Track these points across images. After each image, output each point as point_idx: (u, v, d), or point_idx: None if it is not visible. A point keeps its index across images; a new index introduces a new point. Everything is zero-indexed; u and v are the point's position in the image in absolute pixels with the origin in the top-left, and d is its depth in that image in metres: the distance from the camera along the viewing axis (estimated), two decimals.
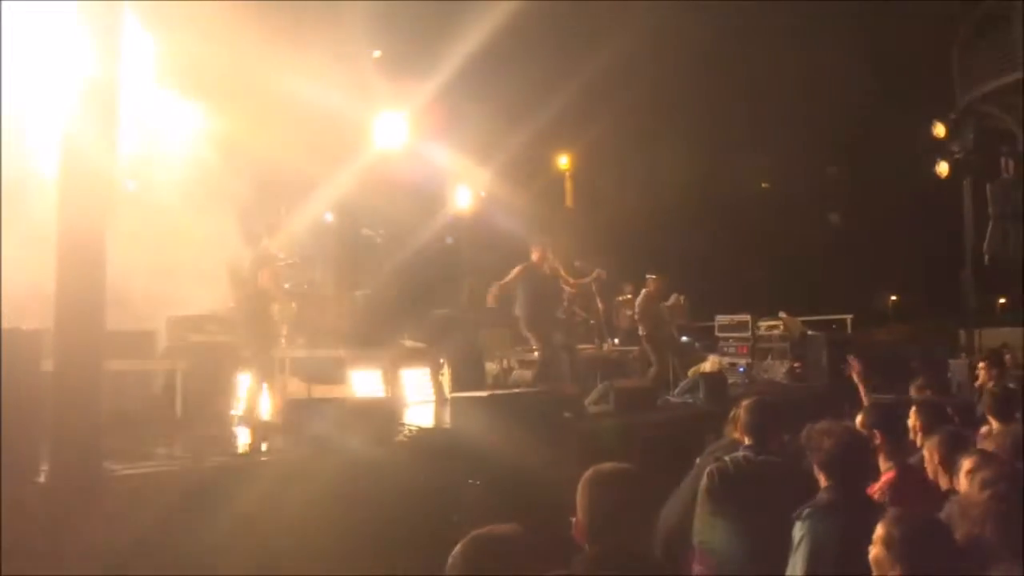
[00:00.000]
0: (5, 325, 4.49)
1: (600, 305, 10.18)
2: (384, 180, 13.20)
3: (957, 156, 12.83)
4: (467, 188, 14.66)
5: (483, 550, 2.14)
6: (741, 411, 4.34)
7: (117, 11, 3.90)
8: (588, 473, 2.52)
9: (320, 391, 7.83)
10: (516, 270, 7.87)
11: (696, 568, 3.74)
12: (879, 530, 2.47)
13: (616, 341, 12.10)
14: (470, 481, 4.97)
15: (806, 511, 3.12)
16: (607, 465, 2.54)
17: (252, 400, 7.26)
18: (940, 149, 12.89)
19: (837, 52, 14.36)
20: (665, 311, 10.55)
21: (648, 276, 10.12)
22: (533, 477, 4.31)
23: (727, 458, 4.10)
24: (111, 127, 3.82)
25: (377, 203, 12.85)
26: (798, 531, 3.10)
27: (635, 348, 11.15)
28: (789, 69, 14.51)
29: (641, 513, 2.47)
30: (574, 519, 2.44)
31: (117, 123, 3.86)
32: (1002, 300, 21.20)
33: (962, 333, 13.51)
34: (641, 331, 9.91)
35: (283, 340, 6.95)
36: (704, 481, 3.96)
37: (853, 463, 3.25)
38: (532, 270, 7.89)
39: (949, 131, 12.80)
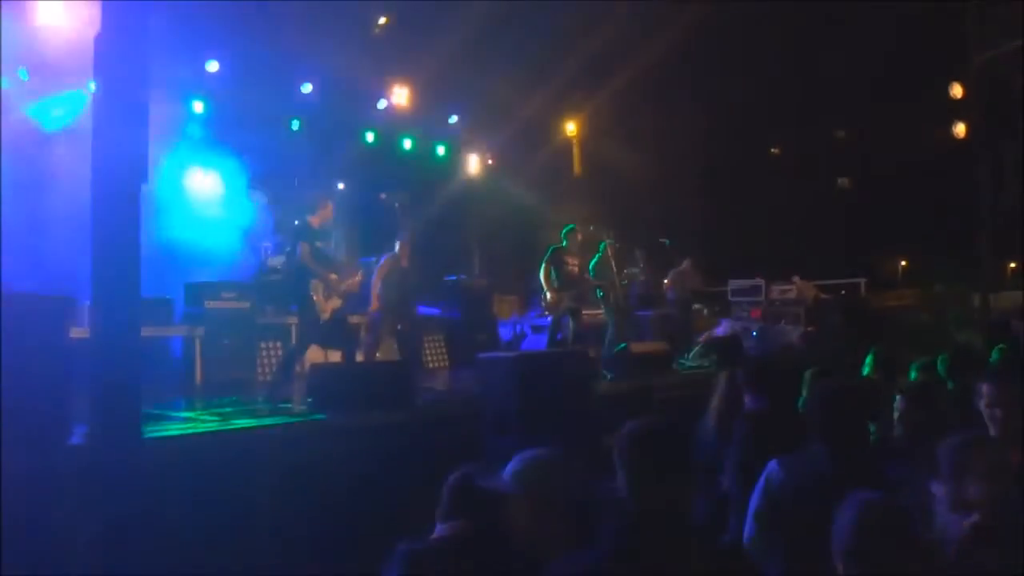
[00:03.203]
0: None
1: (614, 272, 10.15)
2: (392, 148, 13.14)
3: (973, 117, 12.66)
4: (475, 155, 14.60)
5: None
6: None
7: (144, 9, 3.88)
8: (628, 428, 2.35)
9: (337, 356, 7.88)
10: (381, 267, 8.47)
11: None
12: None
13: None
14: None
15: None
16: (647, 420, 2.37)
17: (282, 366, 7.36)
18: (956, 110, 12.75)
19: (846, 11, 14.10)
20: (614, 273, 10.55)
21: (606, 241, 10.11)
22: (559, 436, 4.33)
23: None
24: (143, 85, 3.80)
25: (387, 171, 12.82)
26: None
27: (651, 313, 11.18)
28: (797, 31, 14.27)
29: (685, 472, 2.31)
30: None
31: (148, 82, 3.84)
32: (1012, 264, 21.12)
33: (976, 297, 13.43)
34: (599, 293, 10.14)
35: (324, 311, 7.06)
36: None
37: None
38: (394, 263, 8.51)
39: (965, 92, 12.63)
